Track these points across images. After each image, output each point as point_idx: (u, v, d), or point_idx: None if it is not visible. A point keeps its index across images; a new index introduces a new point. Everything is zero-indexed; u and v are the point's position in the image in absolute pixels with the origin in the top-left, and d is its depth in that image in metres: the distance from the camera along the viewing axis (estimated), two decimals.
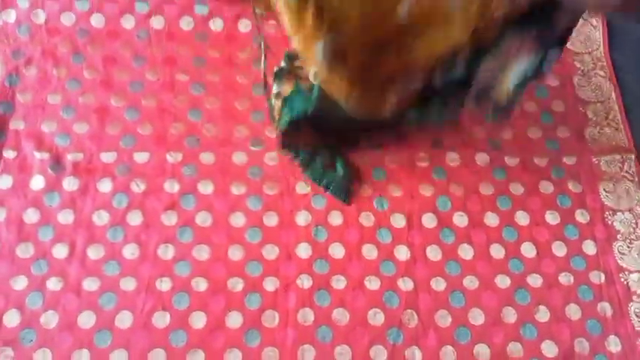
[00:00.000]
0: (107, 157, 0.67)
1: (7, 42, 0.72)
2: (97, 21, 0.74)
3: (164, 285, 0.61)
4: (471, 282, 0.64)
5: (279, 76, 0.71)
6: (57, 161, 0.66)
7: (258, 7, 0.76)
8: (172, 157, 0.67)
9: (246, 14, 0.76)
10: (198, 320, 0.60)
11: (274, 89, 0.71)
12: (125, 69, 0.72)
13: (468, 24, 0.52)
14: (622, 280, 0.66)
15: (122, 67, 0.72)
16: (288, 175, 0.68)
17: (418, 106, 0.61)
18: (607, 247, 0.68)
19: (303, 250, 0.64)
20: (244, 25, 0.76)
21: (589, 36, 0.81)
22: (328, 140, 0.69)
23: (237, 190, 0.67)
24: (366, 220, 0.67)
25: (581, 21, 0.81)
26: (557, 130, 0.74)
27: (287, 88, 0.70)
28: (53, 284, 0.61)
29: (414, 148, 0.71)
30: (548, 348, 0.62)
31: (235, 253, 0.64)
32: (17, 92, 0.69)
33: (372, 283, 0.63)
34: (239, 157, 0.69)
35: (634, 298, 0.65)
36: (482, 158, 0.71)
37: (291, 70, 0.70)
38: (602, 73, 0.79)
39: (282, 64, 0.71)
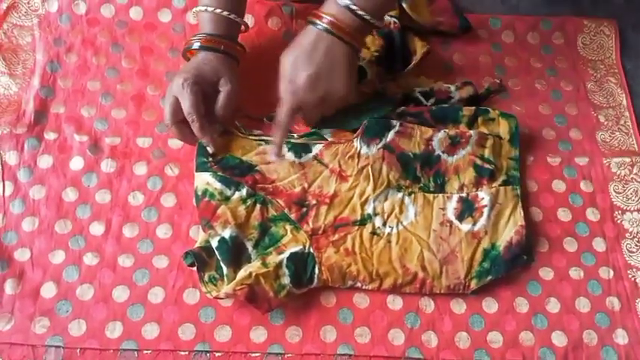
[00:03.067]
0: (143, 141, 0.70)
1: (49, 30, 0.76)
2: (135, 13, 0.78)
3: None
4: None
5: None
6: (95, 144, 0.70)
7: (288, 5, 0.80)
8: None
9: (275, 12, 0.80)
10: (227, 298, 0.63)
11: None
12: (161, 60, 0.76)
13: None
14: (630, 276, 0.69)
15: (158, 58, 0.76)
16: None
17: None
18: (616, 244, 0.71)
19: None
20: (275, 23, 0.80)
21: (602, 44, 0.85)
22: None
23: None
24: None
25: (594, 30, 0.85)
26: (570, 132, 0.78)
27: None
28: (89, 259, 0.64)
29: None
30: (558, 338, 0.65)
31: None
32: (58, 78, 0.73)
33: None
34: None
35: None
36: None
37: None
38: (613, 80, 0.82)
39: None
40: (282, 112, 0.64)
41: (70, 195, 0.67)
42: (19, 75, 0.73)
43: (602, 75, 0.83)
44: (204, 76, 0.65)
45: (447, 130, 0.70)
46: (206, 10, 0.66)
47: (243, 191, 0.65)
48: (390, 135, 0.69)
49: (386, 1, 0.66)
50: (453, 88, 0.74)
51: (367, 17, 0.61)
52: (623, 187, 0.74)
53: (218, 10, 0.66)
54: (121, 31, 0.77)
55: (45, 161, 0.68)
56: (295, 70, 0.62)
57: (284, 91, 0.64)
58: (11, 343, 0.59)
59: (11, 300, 0.61)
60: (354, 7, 0.61)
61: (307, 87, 0.62)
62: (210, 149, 0.66)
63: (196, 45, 0.66)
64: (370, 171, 0.68)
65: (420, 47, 0.77)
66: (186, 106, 0.63)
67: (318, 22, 0.62)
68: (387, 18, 0.76)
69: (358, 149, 0.68)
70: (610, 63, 0.84)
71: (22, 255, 0.63)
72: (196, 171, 0.66)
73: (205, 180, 0.65)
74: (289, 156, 0.68)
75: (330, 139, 0.69)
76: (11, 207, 0.65)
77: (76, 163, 0.68)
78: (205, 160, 0.66)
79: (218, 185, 0.64)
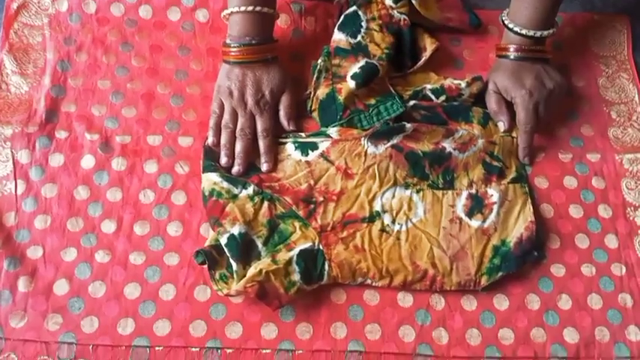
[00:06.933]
0: (153, 139, 0.71)
1: (60, 29, 0.76)
2: (144, 12, 0.78)
3: None
4: None
5: (315, 71, 0.74)
6: (106, 142, 0.70)
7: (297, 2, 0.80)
8: None
9: (284, 10, 0.80)
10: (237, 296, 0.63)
11: (310, 87, 0.74)
12: (171, 58, 0.76)
13: None
14: None
15: (168, 56, 0.76)
16: None
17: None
18: (628, 241, 0.70)
19: None
20: (284, 20, 0.80)
21: (614, 39, 0.84)
22: None
23: None
24: None
25: (606, 26, 0.84)
26: (582, 128, 0.77)
27: (323, 91, 0.72)
28: (101, 257, 0.64)
29: None
30: (570, 334, 0.64)
31: None
32: (69, 77, 0.74)
33: None
34: None
35: None
36: None
37: (328, 69, 0.73)
38: (625, 75, 0.82)
39: (320, 60, 0.74)
40: (524, 113, 0.71)
41: (82, 193, 0.67)
42: (29, 74, 0.73)
43: (614, 71, 0.82)
44: (261, 89, 0.69)
45: (454, 137, 0.70)
46: (238, 10, 0.67)
47: (250, 189, 0.65)
48: (400, 137, 0.69)
49: (549, 6, 0.71)
50: (463, 84, 0.73)
51: (532, 34, 0.71)
52: (636, 183, 0.74)
53: (250, 8, 0.67)
54: (131, 30, 0.77)
55: (56, 160, 0.68)
56: (519, 79, 0.71)
57: (520, 97, 0.71)
58: (25, 340, 0.60)
59: (24, 297, 0.62)
60: (528, 33, 0.71)
61: (538, 84, 0.71)
62: (267, 167, 0.68)
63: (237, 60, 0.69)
64: (376, 169, 0.68)
65: (429, 44, 0.77)
66: (264, 123, 0.69)
67: (506, 54, 0.73)
68: (396, 15, 0.76)
69: (365, 148, 0.68)
70: (622, 58, 0.83)
71: (34, 253, 0.64)
72: (203, 172, 0.66)
73: (212, 180, 0.65)
74: (296, 155, 0.69)
75: (336, 137, 0.69)
76: (23, 205, 0.66)
77: (87, 162, 0.69)
78: (212, 163, 0.67)
79: (225, 184, 0.65)
